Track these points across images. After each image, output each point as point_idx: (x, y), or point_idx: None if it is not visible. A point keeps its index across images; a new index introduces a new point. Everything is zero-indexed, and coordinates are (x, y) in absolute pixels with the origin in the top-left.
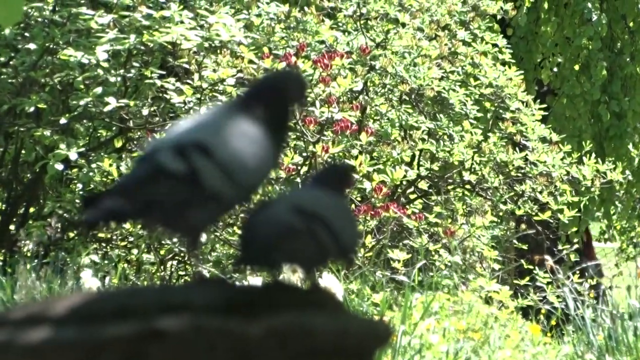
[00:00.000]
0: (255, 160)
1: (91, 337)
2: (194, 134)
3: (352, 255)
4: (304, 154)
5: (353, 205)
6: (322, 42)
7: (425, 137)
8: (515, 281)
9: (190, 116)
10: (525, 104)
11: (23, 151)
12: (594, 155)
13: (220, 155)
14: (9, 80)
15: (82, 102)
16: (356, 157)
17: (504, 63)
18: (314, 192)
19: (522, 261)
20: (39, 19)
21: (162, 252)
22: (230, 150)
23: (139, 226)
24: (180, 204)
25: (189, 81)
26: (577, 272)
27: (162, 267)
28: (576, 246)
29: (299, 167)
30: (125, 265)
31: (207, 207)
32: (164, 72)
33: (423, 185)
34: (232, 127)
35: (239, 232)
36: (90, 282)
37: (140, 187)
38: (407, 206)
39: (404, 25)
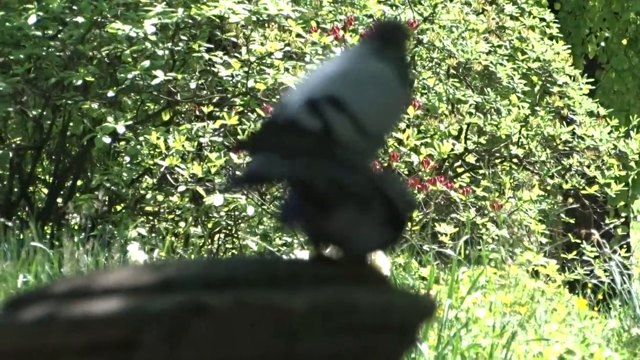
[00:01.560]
0: (389, 108)
1: (135, 311)
2: (326, 86)
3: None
4: None
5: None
6: (370, 16)
7: (473, 110)
8: (562, 255)
9: (320, 64)
10: (572, 78)
11: (71, 124)
12: None
13: (353, 108)
14: (57, 54)
15: (129, 76)
16: (403, 131)
17: (551, 37)
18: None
19: (569, 235)
20: None
21: (209, 226)
22: (363, 102)
23: (186, 199)
24: (316, 159)
25: (236, 55)
26: (624, 246)
27: (209, 241)
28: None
29: None
30: (173, 238)
31: (342, 161)
32: (211, 46)
33: (470, 159)
34: (364, 74)
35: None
36: (137, 255)
37: (277, 144)
38: (455, 180)
39: None
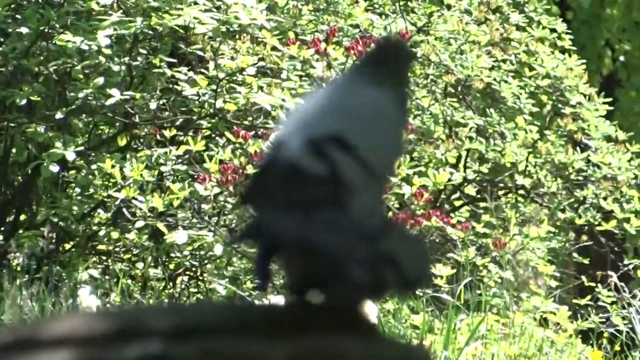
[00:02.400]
0: (394, 145)
1: None
2: (327, 123)
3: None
4: None
5: (390, 213)
6: (356, 26)
7: (474, 135)
8: (574, 300)
9: (313, 94)
10: (587, 97)
11: (13, 150)
12: None
13: (361, 147)
14: None
15: (81, 95)
16: None
17: (563, 51)
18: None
19: (583, 278)
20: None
21: (171, 267)
22: (369, 140)
23: (145, 236)
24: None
25: (203, 70)
26: None
27: (171, 284)
28: None
29: None
30: (129, 281)
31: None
32: (174, 61)
33: (470, 190)
34: (367, 108)
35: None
36: (88, 300)
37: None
38: (452, 214)
39: (449, 7)
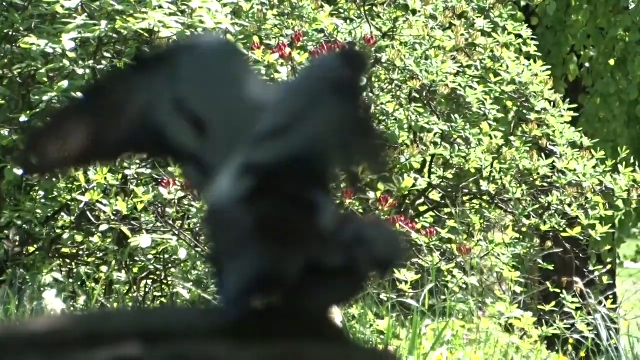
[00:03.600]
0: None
1: None
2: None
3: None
4: None
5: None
6: (321, 30)
7: (438, 140)
8: (539, 306)
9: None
10: (552, 103)
11: None
12: (631, 162)
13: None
14: None
15: (45, 98)
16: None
17: (528, 57)
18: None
19: (548, 284)
20: None
21: (135, 270)
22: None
23: (109, 240)
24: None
25: None
26: (610, 296)
27: (135, 287)
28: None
29: None
30: (94, 284)
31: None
32: None
33: (435, 195)
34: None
35: None
36: (53, 303)
37: None
38: (417, 220)
39: (414, 12)
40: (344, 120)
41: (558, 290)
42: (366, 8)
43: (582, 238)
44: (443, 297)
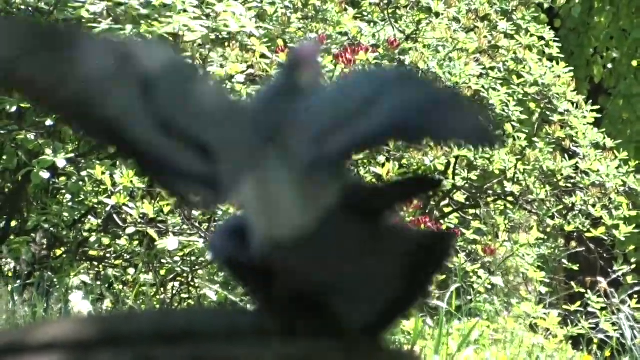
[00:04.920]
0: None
1: None
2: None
3: None
4: None
5: None
6: (345, 33)
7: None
8: (564, 306)
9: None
10: (575, 105)
11: (4, 157)
12: None
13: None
14: None
15: None
16: (383, 165)
17: (551, 58)
18: None
19: (573, 284)
20: (22, 7)
21: (162, 273)
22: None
23: (136, 242)
24: None
25: None
26: (635, 296)
27: (162, 289)
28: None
29: None
30: (121, 286)
31: None
32: None
33: (459, 197)
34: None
35: None
36: (80, 305)
37: None
38: (442, 221)
39: (437, 15)
40: (429, 95)
41: (583, 290)
42: (389, 11)
43: (606, 238)
44: (469, 298)
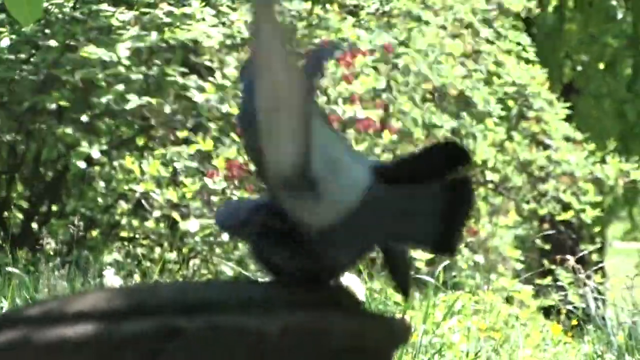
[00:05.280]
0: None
1: (109, 335)
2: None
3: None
4: None
5: None
6: (345, 39)
7: (449, 135)
8: (537, 281)
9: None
10: (549, 102)
11: (45, 149)
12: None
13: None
14: (30, 77)
15: (103, 100)
16: (379, 157)
17: (527, 61)
18: None
19: (545, 261)
20: (60, 16)
21: (184, 251)
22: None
23: (162, 225)
24: None
25: (211, 79)
26: (599, 271)
27: (184, 266)
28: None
29: None
30: (148, 263)
31: None
32: (186, 70)
33: None
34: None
35: None
36: (112, 280)
37: None
38: None
39: (427, 23)
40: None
41: (553, 267)
42: (384, 19)
43: (574, 221)
44: (453, 274)
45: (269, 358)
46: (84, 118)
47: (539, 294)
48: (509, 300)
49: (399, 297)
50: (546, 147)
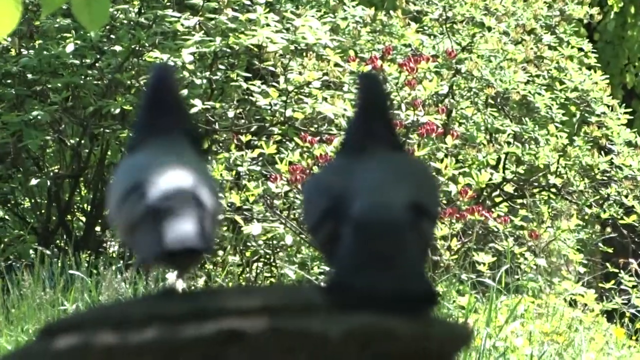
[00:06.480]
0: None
1: (171, 339)
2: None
3: None
4: None
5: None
6: (408, 45)
7: (511, 140)
8: (600, 284)
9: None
10: (610, 108)
11: (109, 152)
12: None
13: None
14: (95, 82)
15: None
16: (441, 160)
17: (589, 67)
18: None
19: (608, 264)
20: (125, 21)
21: (247, 254)
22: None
23: (225, 228)
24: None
25: (274, 84)
26: None
27: (247, 269)
28: None
29: None
30: (211, 266)
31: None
32: (249, 75)
33: (509, 188)
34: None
35: None
36: (176, 283)
37: None
38: (493, 209)
39: (489, 29)
40: None
41: (616, 270)
42: (447, 25)
43: (637, 225)
44: (516, 277)
45: None
46: None
47: (602, 298)
48: (571, 304)
49: (462, 301)
50: (608, 151)
